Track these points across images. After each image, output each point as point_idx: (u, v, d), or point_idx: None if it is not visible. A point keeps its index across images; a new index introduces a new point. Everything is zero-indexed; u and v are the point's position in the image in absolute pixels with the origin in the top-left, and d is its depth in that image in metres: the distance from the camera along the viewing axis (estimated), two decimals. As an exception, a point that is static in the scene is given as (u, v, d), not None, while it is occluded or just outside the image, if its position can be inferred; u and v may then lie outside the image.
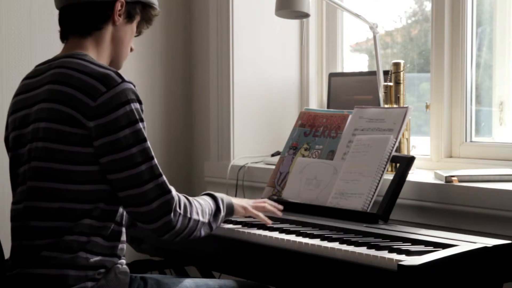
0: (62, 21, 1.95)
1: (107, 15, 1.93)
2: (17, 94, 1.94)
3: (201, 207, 1.93)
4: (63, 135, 1.78)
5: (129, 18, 1.97)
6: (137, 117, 1.79)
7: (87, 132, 1.77)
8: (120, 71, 1.85)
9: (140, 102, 1.82)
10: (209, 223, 1.96)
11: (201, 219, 1.92)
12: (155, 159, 1.83)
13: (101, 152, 1.77)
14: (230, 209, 2.06)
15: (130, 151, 1.78)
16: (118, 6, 1.93)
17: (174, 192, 1.85)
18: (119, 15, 1.94)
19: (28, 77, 1.94)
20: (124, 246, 1.91)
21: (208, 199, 2.00)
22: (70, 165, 1.78)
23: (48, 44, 2.82)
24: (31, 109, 1.86)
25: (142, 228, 1.88)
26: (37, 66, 1.96)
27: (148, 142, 1.82)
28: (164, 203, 1.81)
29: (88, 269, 1.79)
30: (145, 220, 1.83)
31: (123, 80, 1.80)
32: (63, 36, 1.96)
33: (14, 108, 1.93)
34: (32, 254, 1.79)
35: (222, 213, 2.01)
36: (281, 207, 2.22)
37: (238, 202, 2.11)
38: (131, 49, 2.04)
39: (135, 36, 2.06)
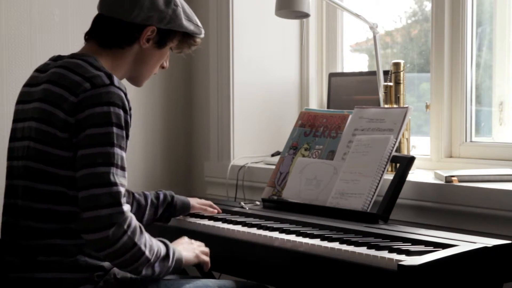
0: (92, 24, 1.92)
1: (133, 37, 1.88)
2: (25, 85, 1.92)
3: (151, 242, 1.77)
4: (51, 138, 1.75)
5: (160, 44, 1.92)
6: (113, 120, 1.72)
7: (71, 135, 1.74)
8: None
9: (124, 110, 1.74)
10: (152, 265, 1.77)
11: (147, 253, 1.74)
12: (120, 170, 1.71)
13: (76, 148, 1.74)
14: (179, 263, 1.86)
15: (92, 150, 1.71)
16: (148, 31, 1.88)
17: (126, 209, 1.71)
18: (147, 40, 1.89)
19: (37, 69, 1.92)
20: None
21: (160, 244, 1.82)
22: (56, 168, 1.76)
23: (48, 44, 2.82)
24: (29, 105, 1.84)
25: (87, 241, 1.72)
26: (50, 59, 1.92)
27: (119, 150, 1.72)
28: (109, 215, 1.67)
29: (87, 271, 1.78)
30: (84, 229, 1.69)
31: (112, 84, 1.75)
32: (86, 37, 1.92)
33: (18, 100, 1.91)
34: (29, 258, 1.77)
35: (170, 263, 1.82)
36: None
37: (186, 252, 1.91)
38: (163, 67, 2.00)
39: (178, 53, 2.03)
